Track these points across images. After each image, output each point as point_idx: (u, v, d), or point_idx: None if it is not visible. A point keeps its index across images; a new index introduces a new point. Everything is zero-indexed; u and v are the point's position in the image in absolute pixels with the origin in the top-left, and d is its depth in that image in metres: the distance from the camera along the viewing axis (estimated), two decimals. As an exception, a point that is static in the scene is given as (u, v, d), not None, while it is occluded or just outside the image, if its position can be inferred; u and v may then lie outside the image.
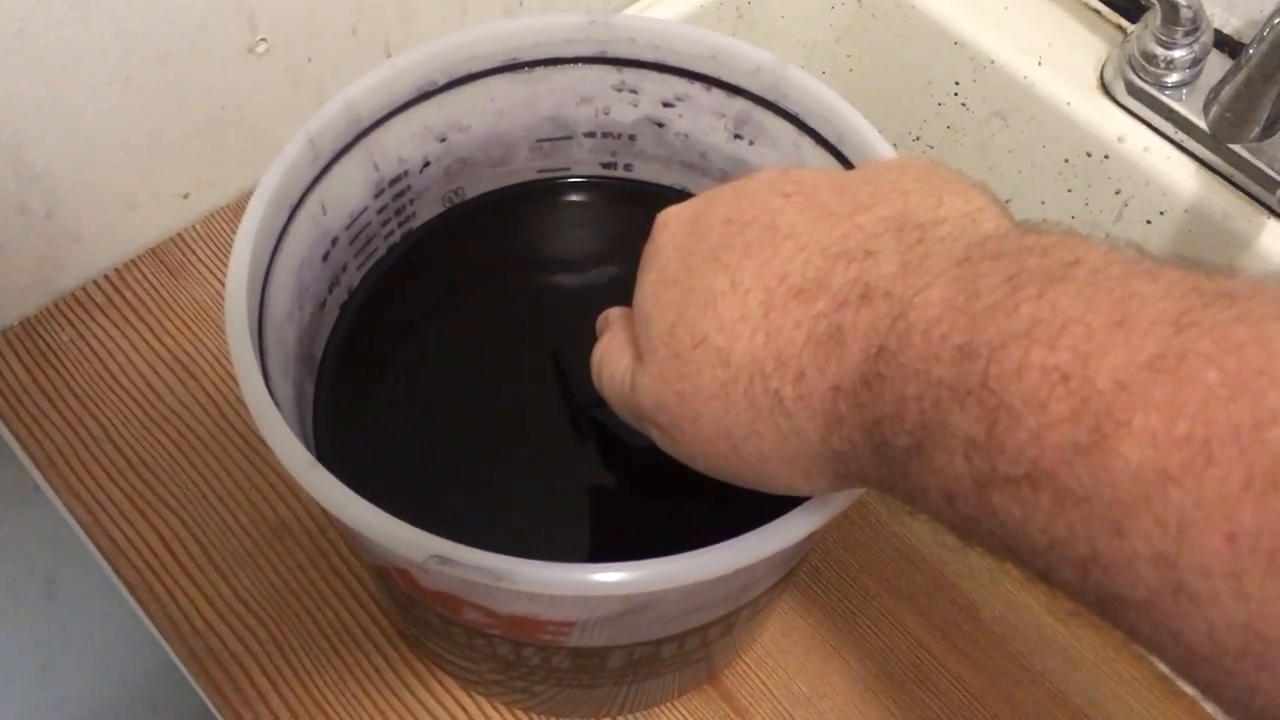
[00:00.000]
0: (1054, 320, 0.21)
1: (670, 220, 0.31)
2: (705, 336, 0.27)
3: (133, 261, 0.53)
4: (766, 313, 0.26)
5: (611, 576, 0.30)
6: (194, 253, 0.54)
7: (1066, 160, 0.65)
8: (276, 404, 0.33)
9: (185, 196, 0.54)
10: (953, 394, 0.22)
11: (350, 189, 0.39)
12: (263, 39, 0.50)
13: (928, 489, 0.23)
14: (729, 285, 0.27)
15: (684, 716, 0.44)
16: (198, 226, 0.55)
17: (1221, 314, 0.19)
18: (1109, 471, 0.19)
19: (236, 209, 0.56)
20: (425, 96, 0.40)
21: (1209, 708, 0.46)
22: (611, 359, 0.32)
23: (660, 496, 0.39)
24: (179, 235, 0.54)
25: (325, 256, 0.39)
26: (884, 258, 0.25)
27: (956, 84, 0.68)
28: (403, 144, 0.40)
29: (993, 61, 0.66)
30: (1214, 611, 0.18)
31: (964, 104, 0.69)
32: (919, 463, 0.23)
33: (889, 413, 0.24)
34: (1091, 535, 0.20)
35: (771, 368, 0.26)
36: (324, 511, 0.34)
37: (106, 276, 0.53)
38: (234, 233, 0.53)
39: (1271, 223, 0.58)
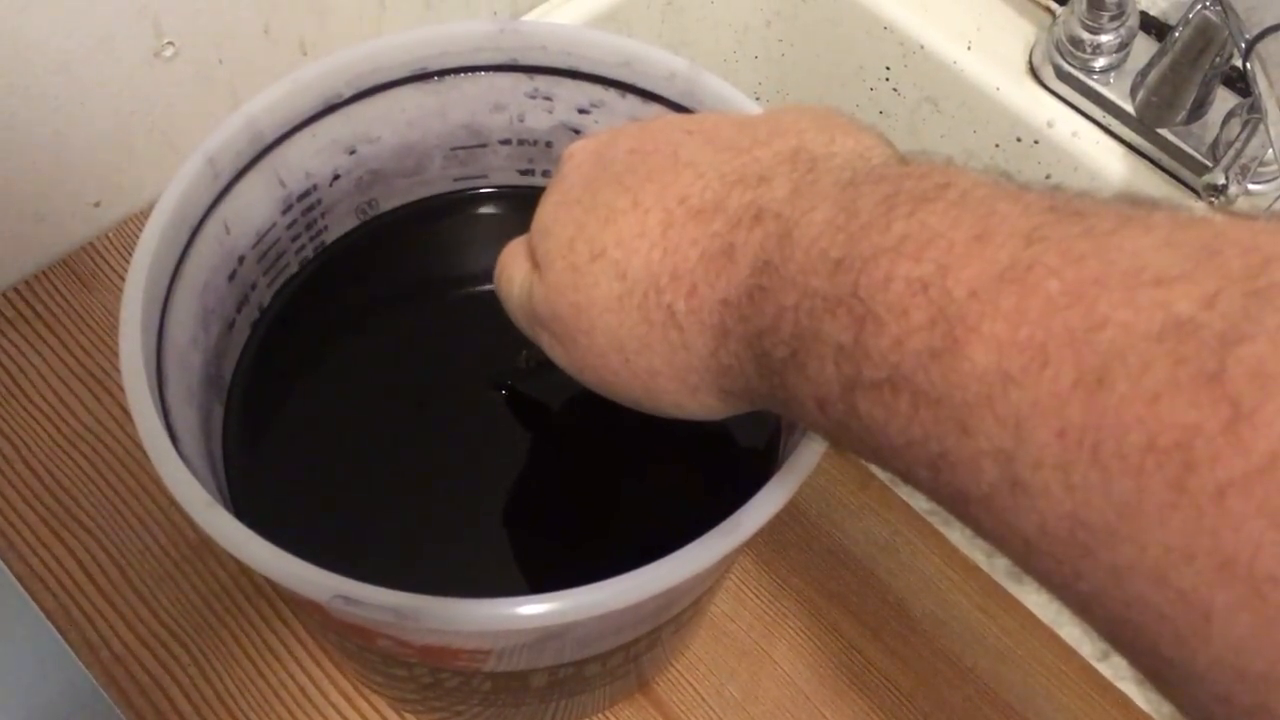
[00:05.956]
0: (921, 236, 0.22)
1: (576, 152, 0.32)
2: (604, 250, 0.28)
3: (44, 273, 0.52)
4: (665, 230, 0.27)
5: (522, 609, 0.29)
6: (107, 262, 0.53)
7: (997, 145, 0.65)
8: (175, 435, 0.32)
9: (96, 205, 0.52)
10: (826, 304, 0.23)
11: (255, 207, 0.38)
12: (169, 42, 0.49)
13: (802, 398, 0.25)
14: (630, 204, 0.28)
15: (615, 726, 0.44)
16: (110, 235, 0.53)
17: (1070, 229, 0.20)
18: (958, 374, 0.20)
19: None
20: (331, 109, 0.39)
21: (1141, 703, 0.46)
22: (511, 262, 0.33)
23: (582, 522, 0.39)
24: (91, 244, 0.53)
25: (232, 276, 0.38)
26: (778, 184, 0.26)
27: (887, 69, 0.68)
28: (309, 158, 0.39)
29: (922, 46, 0.65)
30: (1045, 503, 0.19)
31: (895, 89, 0.68)
32: (794, 370, 0.24)
33: (769, 324, 0.25)
34: (942, 434, 0.21)
35: (666, 282, 0.27)
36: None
37: (16, 289, 0.51)
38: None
39: (1199, 206, 0.58)
